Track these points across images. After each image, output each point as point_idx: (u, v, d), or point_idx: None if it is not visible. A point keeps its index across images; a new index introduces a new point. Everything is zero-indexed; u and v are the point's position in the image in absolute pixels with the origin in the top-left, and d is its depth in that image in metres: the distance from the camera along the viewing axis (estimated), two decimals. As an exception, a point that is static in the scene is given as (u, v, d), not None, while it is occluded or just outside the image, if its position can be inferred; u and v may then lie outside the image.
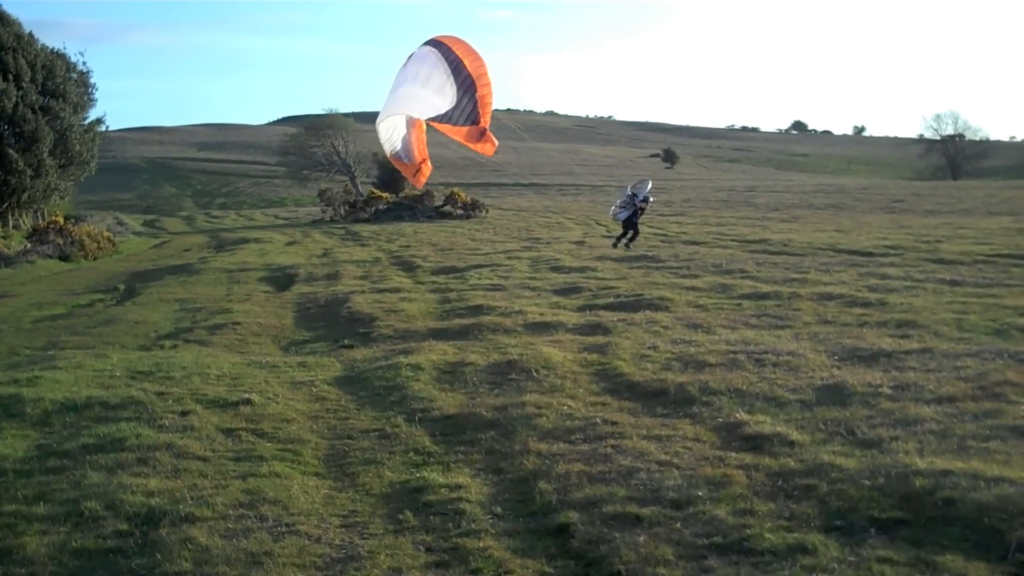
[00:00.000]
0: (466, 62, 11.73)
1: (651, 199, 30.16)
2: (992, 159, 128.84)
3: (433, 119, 11.83)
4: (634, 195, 28.72)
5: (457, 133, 11.65)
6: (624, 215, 28.86)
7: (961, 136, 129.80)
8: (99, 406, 10.46)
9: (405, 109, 12.54)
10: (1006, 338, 12.32)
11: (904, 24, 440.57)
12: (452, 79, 11.70)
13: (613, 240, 29.96)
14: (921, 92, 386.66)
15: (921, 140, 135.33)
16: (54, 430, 9.78)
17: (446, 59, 11.85)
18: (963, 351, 11.40)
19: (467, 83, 11.63)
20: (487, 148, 11.62)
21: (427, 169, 13.35)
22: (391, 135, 13.11)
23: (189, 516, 7.04)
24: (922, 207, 48.26)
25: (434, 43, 12.22)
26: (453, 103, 11.61)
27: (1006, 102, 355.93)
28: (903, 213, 44.77)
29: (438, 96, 11.76)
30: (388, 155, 13.73)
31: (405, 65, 12.66)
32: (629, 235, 28.99)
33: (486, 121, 11.48)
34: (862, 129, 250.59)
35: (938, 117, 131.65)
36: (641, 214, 28.97)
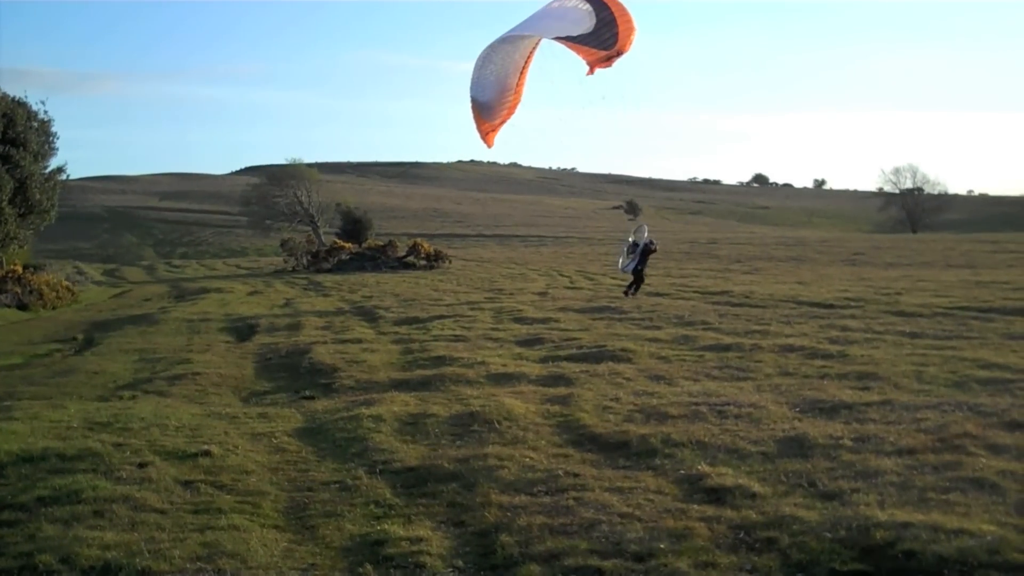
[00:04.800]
0: (610, 5, 11.85)
1: (656, 242, 30.47)
2: (950, 212, 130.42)
3: (561, 38, 11.89)
4: (635, 244, 28.90)
5: (583, 51, 11.71)
6: (632, 266, 29.02)
7: (920, 190, 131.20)
8: (55, 458, 10.29)
9: (528, 29, 12.51)
10: (965, 390, 12.43)
11: (863, 79, 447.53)
12: (594, 16, 11.80)
13: (624, 289, 29.99)
14: (880, 146, 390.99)
15: (880, 193, 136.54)
16: (9, 482, 9.62)
17: (591, 3, 11.98)
18: (923, 403, 11.50)
19: (608, 19, 11.72)
20: (608, 65, 11.74)
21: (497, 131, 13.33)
22: (485, 74, 12.91)
23: (146, 570, 6.93)
24: (882, 260, 48.77)
25: None
26: (589, 31, 11.73)
27: (964, 156, 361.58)
28: (863, 265, 45.24)
29: (573, 25, 11.85)
30: (471, 97, 13.34)
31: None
32: (635, 283, 29.12)
33: (621, 45, 11.60)
34: (822, 182, 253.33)
35: (897, 171, 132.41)
36: (648, 259, 29.15)
